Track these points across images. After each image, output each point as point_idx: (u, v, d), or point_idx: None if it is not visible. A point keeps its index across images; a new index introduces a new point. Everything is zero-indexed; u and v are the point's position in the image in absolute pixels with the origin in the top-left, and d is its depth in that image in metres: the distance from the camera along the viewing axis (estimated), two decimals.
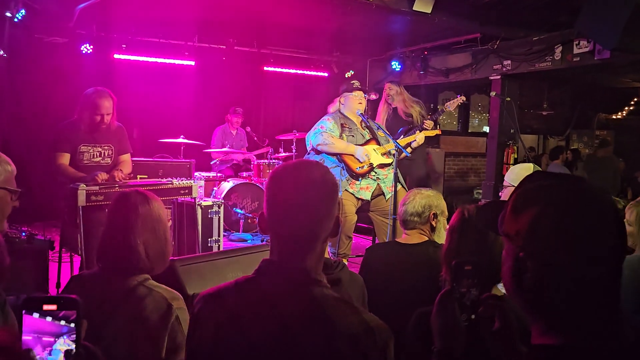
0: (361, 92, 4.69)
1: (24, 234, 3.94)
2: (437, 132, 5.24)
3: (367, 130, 4.73)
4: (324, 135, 4.50)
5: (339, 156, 4.51)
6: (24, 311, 1.00)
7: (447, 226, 1.92)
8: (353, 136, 4.59)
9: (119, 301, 1.69)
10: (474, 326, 1.16)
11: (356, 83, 4.71)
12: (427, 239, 2.59)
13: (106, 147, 4.19)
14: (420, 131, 5.09)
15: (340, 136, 4.55)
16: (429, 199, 2.61)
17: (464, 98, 5.31)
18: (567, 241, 0.91)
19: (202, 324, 1.28)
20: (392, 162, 4.57)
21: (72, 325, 1.01)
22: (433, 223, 2.60)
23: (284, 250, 1.28)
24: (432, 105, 10.15)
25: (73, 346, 1.00)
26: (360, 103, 4.67)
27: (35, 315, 0.99)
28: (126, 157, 4.37)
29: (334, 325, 1.18)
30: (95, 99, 4.00)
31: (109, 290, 1.72)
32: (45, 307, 1.00)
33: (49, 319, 1.00)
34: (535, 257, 0.93)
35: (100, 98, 4.00)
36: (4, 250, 1.71)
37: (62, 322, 1.01)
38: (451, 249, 1.82)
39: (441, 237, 2.61)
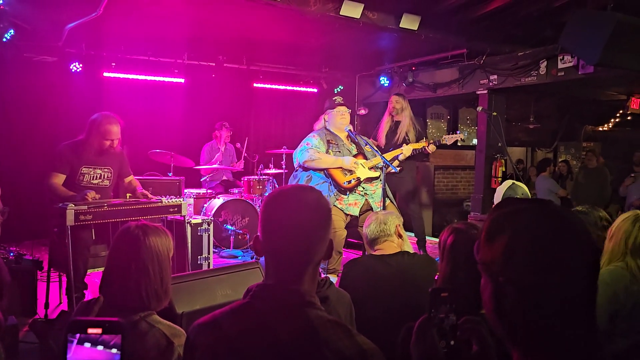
0: (344, 107, 4.75)
1: (12, 253, 3.92)
2: (424, 144, 5.29)
3: (354, 146, 4.77)
4: (310, 151, 4.53)
5: (326, 171, 4.53)
6: (69, 335, 0.98)
7: (442, 247, 1.94)
8: (340, 151, 4.62)
9: None
10: (454, 352, 1.17)
11: (338, 99, 4.81)
12: (399, 249, 2.72)
13: (106, 170, 4.26)
14: (407, 144, 5.15)
15: (327, 152, 4.58)
16: (390, 214, 2.80)
17: (462, 136, 5.43)
18: (541, 264, 0.94)
19: (198, 353, 1.28)
20: (379, 176, 4.60)
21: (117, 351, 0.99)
22: (400, 232, 2.78)
23: (279, 273, 1.30)
24: (420, 119, 10.23)
25: None
26: (343, 117, 4.72)
27: (87, 344, 0.97)
28: (132, 178, 4.50)
29: (328, 348, 1.20)
30: (105, 125, 4.11)
31: None
32: (90, 330, 0.98)
33: (100, 347, 0.98)
34: (513, 281, 0.96)
35: (110, 124, 4.12)
36: (5, 269, 1.73)
37: (114, 350, 0.98)
38: (454, 269, 1.83)
39: (407, 244, 2.83)
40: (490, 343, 1.11)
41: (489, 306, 1.02)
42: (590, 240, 0.98)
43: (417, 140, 5.62)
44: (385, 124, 6.09)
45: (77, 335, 0.98)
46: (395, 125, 6.03)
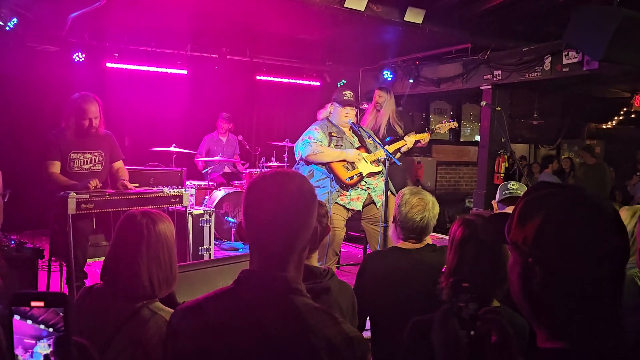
0: (352, 108, 4.57)
1: (13, 242, 3.91)
2: (427, 135, 5.21)
3: (356, 138, 4.71)
4: (313, 145, 4.45)
5: (328, 167, 4.47)
6: (13, 307, 1.00)
7: (451, 238, 1.90)
8: (342, 145, 4.55)
9: (123, 322, 1.67)
10: (475, 342, 1.17)
11: (348, 95, 4.57)
12: (425, 242, 2.54)
13: (96, 154, 4.17)
14: (403, 136, 5.10)
15: (329, 145, 4.52)
16: (436, 206, 2.56)
17: (455, 124, 5.37)
18: (571, 246, 0.96)
19: (181, 337, 1.27)
20: (381, 170, 4.56)
21: (51, 329, 1.02)
22: None
23: (263, 260, 1.29)
24: (423, 114, 10.21)
25: (50, 350, 1.01)
26: (348, 116, 4.58)
27: (16, 317, 1.00)
28: (120, 164, 4.38)
29: (314, 335, 1.20)
30: (80, 104, 3.98)
31: (114, 309, 1.70)
32: (33, 303, 1.00)
33: (29, 322, 1.01)
34: (542, 263, 0.98)
35: (85, 103, 3.99)
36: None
37: (42, 327, 1.01)
38: (461, 261, 1.81)
39: None
40: (511, 333, 1.12)
41: (516, 286, 1.04)
42: (621, 228, 1.00)
43: (405, 134, 5.51)
44: (369, 115, 5.94)
45: (22, 309, 1.00)
46: (388, 120, 5.98)
